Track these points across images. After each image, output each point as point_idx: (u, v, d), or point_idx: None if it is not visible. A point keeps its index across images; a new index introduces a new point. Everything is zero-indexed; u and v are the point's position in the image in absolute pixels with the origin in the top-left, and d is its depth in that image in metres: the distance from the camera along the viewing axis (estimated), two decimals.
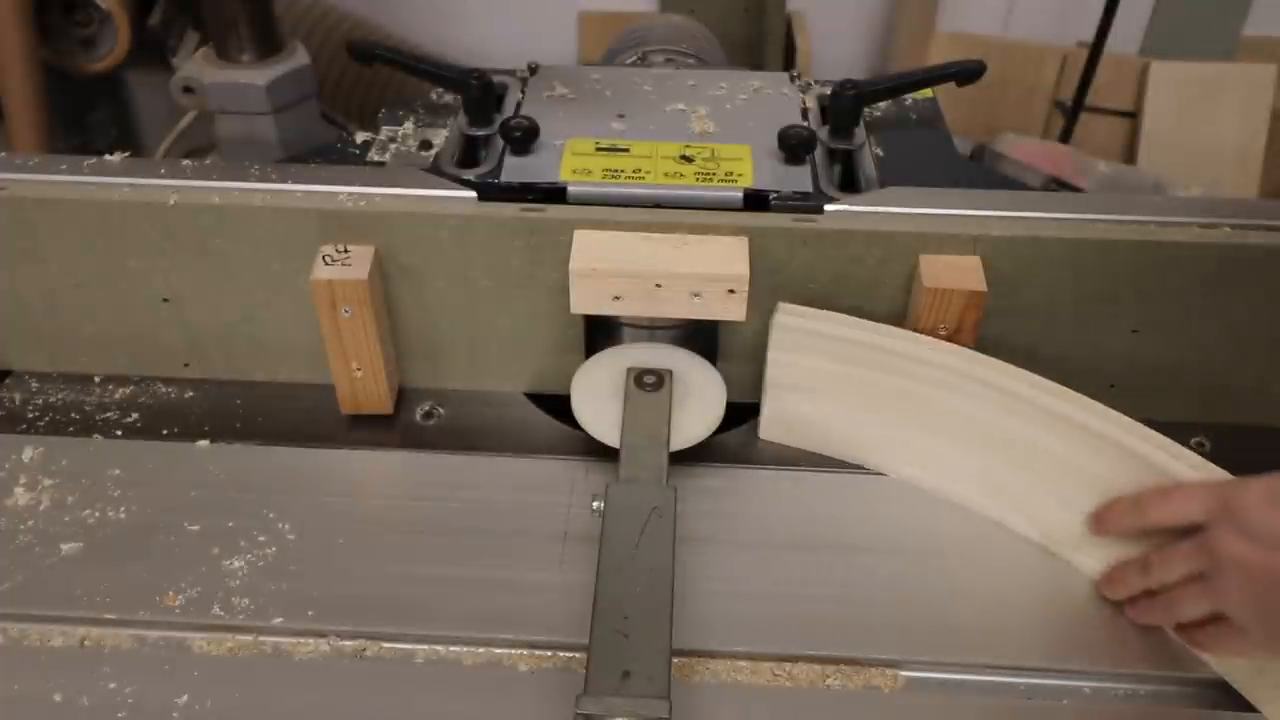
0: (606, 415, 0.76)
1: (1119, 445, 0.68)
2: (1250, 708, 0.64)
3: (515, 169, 0.83)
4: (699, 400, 0.77)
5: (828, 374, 0.77)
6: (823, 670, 0.65)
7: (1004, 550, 0.74)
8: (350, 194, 0.79)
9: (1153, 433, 0.68)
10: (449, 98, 0.96)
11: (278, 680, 0.65)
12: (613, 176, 0.81)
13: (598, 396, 0.78)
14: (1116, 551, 0.70)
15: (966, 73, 0.94)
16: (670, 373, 0.77)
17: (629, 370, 0.77)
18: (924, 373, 0.74)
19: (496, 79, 0.94)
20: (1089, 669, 0.66)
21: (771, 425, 0.81)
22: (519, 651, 0.66)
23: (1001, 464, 0.74)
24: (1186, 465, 0.66)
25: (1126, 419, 0.69)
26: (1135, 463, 0.68)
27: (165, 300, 0.83)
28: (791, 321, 0.75)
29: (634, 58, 1.13)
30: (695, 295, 0.75)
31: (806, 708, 0.64)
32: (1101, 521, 0.69)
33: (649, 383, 0.76)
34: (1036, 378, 0.72)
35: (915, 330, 0.76)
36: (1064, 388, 0.71)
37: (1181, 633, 0.67)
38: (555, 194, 0.81)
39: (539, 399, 0.86)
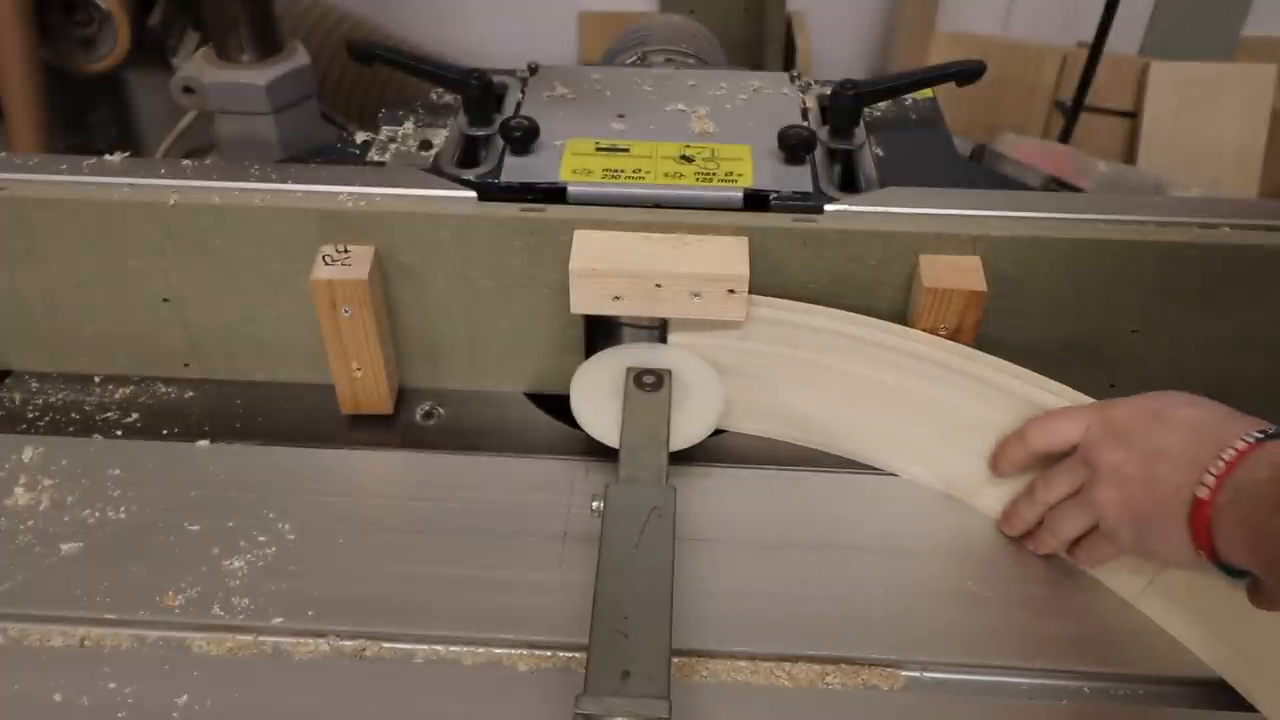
0: (606, 415, 0.76)
1: (997, 387, 0.73)
2: (1250, 707, 0.64)
3: (515, 169, 0.83)
4: (698, 400, 0.77)
5: (737, 352, 0.78)
6: (822, 670, 0.65)
7: (1003, 550, 0.74)
8: (350, 194, 0.79)
9: (1026, 371, 0.72)
10: (449, 98, 0.96)
11: (277, 680, 0.64)
12: (613, 176, 0.81)
13: (597, 396, 0.78)
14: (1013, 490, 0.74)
15: (966, 73, 0.94)
16: (669, 372, 0.77)
17: (628, 370, 0.77)
18: (798, 336, 0.77)
19: (496, 79, 0.94)
20: (1089, 669, 0.66)
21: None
22: (519, 651, 0.66)
23: (890, 416, 0.77)
24: (1053, 395, 0.71)
25: (997, 360, 0.73)
26: (1015, 401, 0.72)
27: (165, 300, 0.83)
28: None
29: (634, 58, 1.13)
30: (695, 295, 0.75)
31: (806, 707, 0.64)
32: (995, 462, 0.73)
33: (648, 382, 0.76)
34: (893, 325, 0.76)
35: (916, 330, 0.76)
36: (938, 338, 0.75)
37: (1069, 554, 0.71)
38: (555, 194, 0.81)
39: (539, 399, 0.86)
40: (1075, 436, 0.67)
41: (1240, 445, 0.57)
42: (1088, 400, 0.70)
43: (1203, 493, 0.58)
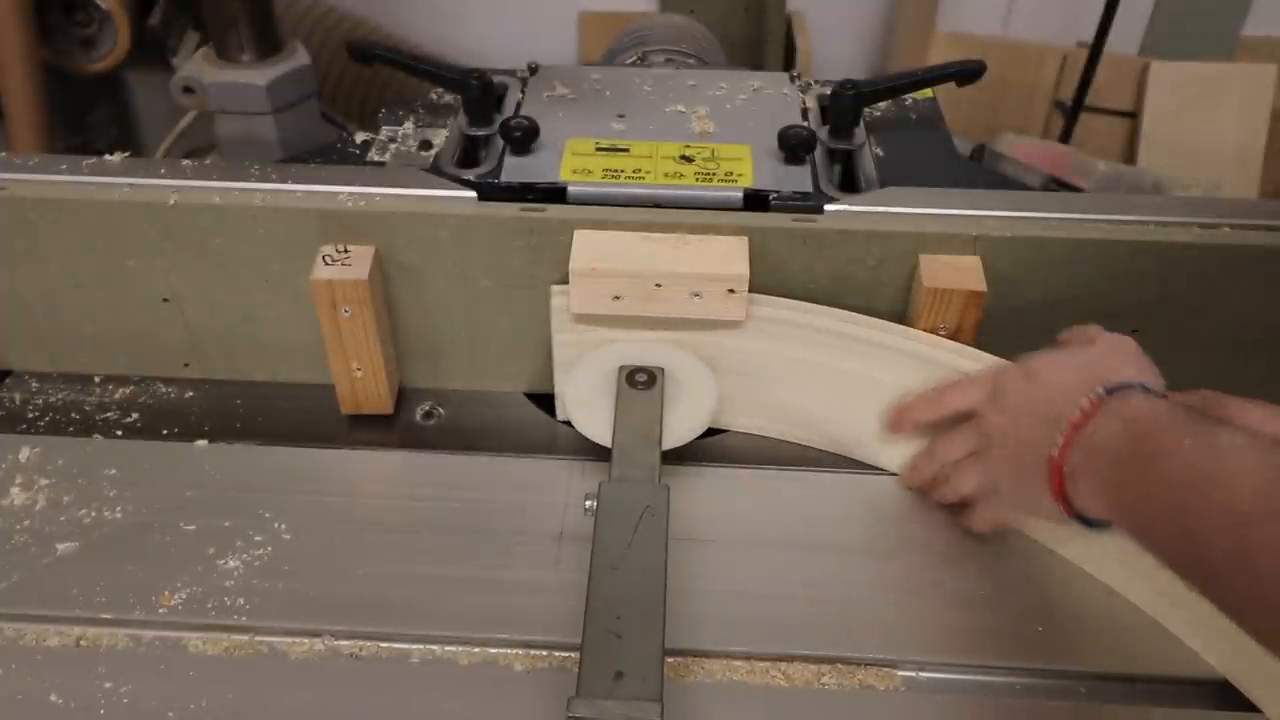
0: (599, 414, 0.76)
1: (900, 351, 0.75)
2: (1250, 707, 0.64)
3: (515, 169, 0.83)
4: (691, 399, 0.77)
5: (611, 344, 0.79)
6: (818, 670, 0.65)
7: (1002, 550, 0.73)
8: (350, 194, 0.79)
9: (933, 337, 0.75)
10: (449, 98, 0.96)
11: (274, 680, 0.64)
12: (613, 176, 0.81)
13: (590, 396, 0.77)
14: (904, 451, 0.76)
15: (966, 73, 0.94)
16: (662, 371, 0.77)
17: (621, 368, 0.77)
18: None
19: (496, 79, 0.94)
20: (1085, 669, 0.66)
21: (564, 408, 0.82)
22: (515, 651, 0.66)
23: (790, 388, 0.79)
24: (970, 360, 0.73)
25: (996, 359, 0.73)
26: (913, 362, 0.75)
27: (165, 300, 0.83)
28: (565, 301, 0.77)
29: (634, 58, 1.13)
30: (695, 295, 0.75)
31: (802, 707, 0.64)
32: (900, 417, 0.74)
33: (641, 381, 0.76)
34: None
35: (916, 330, 0.76)
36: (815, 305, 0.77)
37: (964, 519, 0.73)
38: (555, 194, 0.81)
39: (539, 399, 0.86)
40: (975, 402, 0.69)
41: (1085, 403, 0.59)
42: (1002, 363, 0.73)
43: (1053, 451, 0.60)
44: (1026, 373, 0.66)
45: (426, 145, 0.90)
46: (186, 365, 0.87)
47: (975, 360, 0.73)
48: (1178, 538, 0.51)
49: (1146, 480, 0.53)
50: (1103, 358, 0.64)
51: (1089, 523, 0.61)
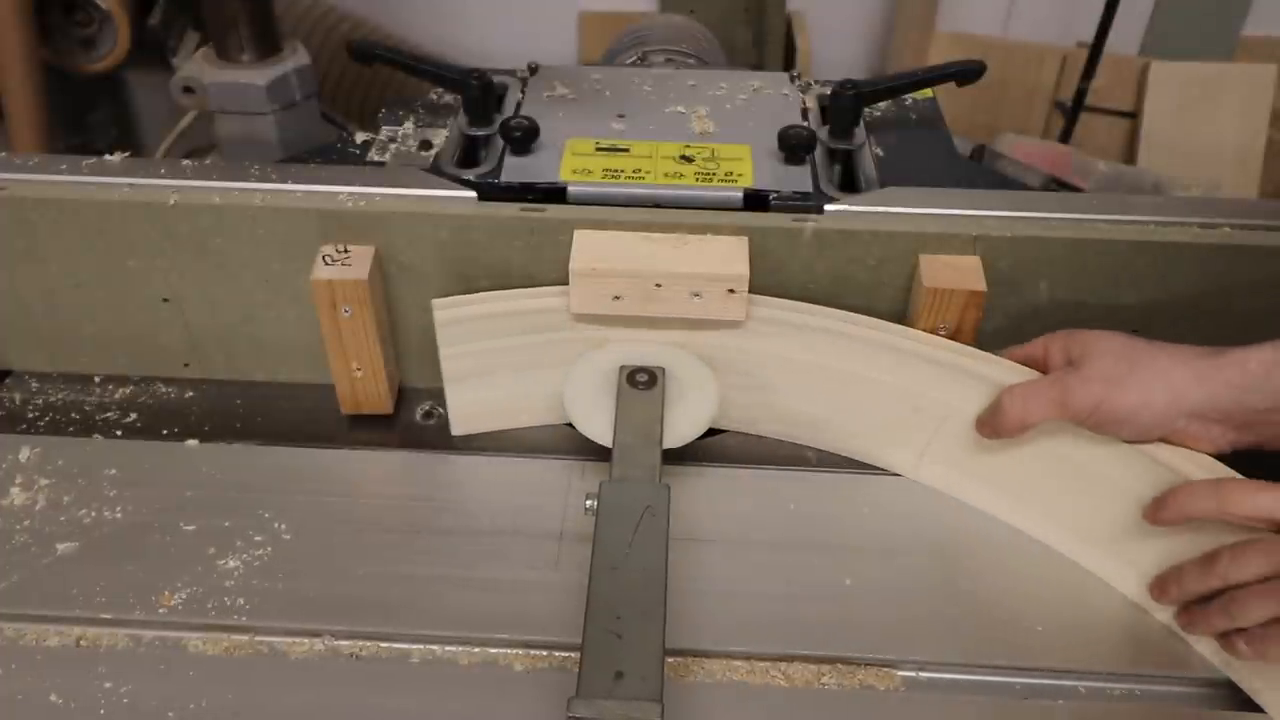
0: (599, 414, 0.76)
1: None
2: (1251, 707, 0.64)
3: (515, 169, 0.83)
4: (692, 398, 0.77)
5: (502, 351, 0.78)
6: (818, 670, 0.65)
7: (1001, 550, 0.73)
8: (350, 194, 0.79)
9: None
10: (449, 98, 0.96)
11: (273, 680, 0.64)
12: (613, 176, 0.81)
13: (590, 395, 0.77)
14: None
15: (966, 73, 0.94)
16: (663, 370, 0.77)
17: (621, 368, 0.77)
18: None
19: (496, 79, 0.94)
20: (1085, 668, 0.66)
21: (461, 420, 0.82)
22: (515, 651, 0.66)
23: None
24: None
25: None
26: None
27: (165, 300, 0.83)
28: (451, 314, 0.76)
29: (634, 58, 1.13)
30: (695, 295, 0.75)
31: (802, 707, 0.64)
32: (1161, 508, 0.65)
33: (641, 381, 0.76)
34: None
35: (917, 329, 0.76)
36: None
37: (1225, 641, 0.64)
38: (555, 194, 0.81)
39: None
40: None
41: None
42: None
43: None
44: None
45: (426, 145, 0.90)
46: (186, 365, 0.87)
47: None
48: None
49: None
50: None
51: None
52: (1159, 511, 0.65)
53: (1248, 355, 0.63)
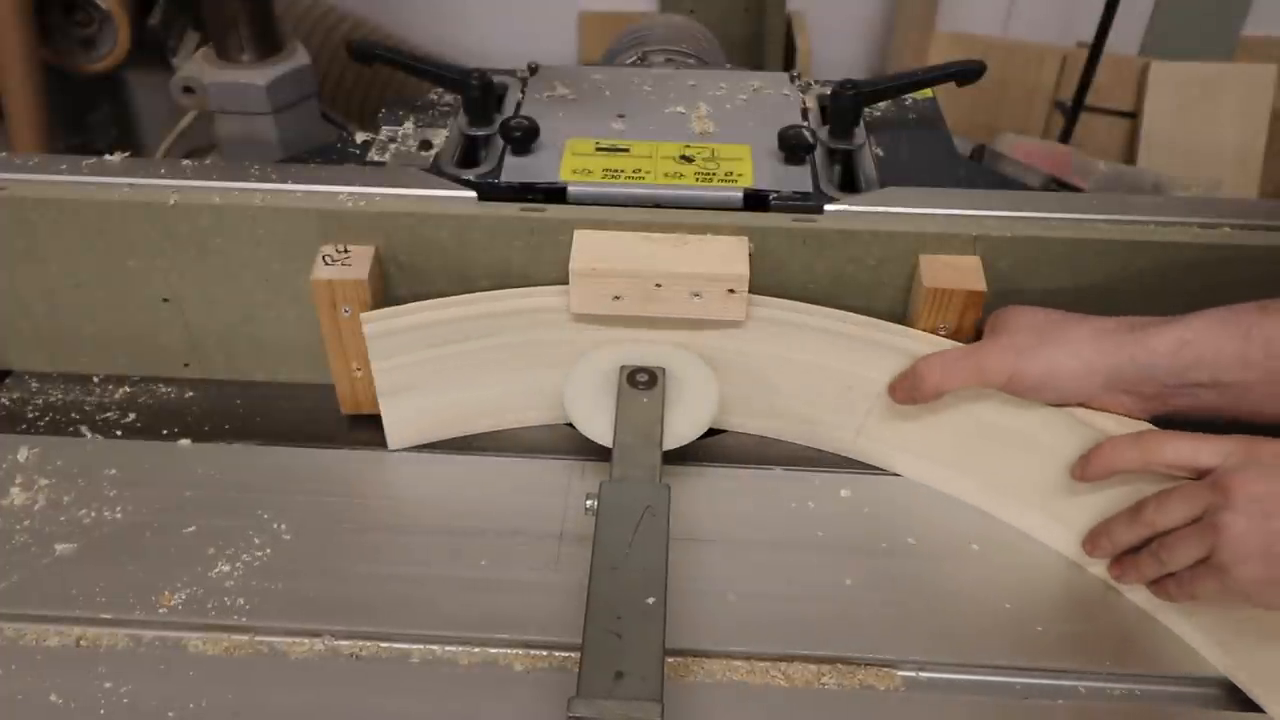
0: (600, 414, 0.76)
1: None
2: (1251, 706, 0.64)
3: (515, 169, 0.83)
4: (692, 399, 0.77)
5: (434, 360, 0.77)
6: (818, 670, 0.65)
7: (1001, 550, 0.74)
8: (350, 194, 0.79)
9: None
10: (449, 98, 0.96)
11: (273, 680, 0.64)
12: (613, 176, 0.81)
13: (591, 395, 0.77)
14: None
15: (966, 73, 0.94)
16: (663, 370, 0.77)
17: (622, 368, 0.77)
18: (523, 321, 0.77)
19: (496, 79, 0.94)
20: (1084, 668, 0.66)
21: (398, 433, 0.80)
22: (515, 651, 0.66)
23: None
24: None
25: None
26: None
27: (165, 300, 0.83)
28: (381, 327, 0.75)
29: (634, 58, 1.13)
30: (695, 295, 0.75)
31: (802, 707, 0.64)
32: (1089, 464, 0.67)
33: (642, 381, 0.76)
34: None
35: (917, 329, 0.76)
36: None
37: (1156, 587, 0.66)
38: (555, 194, 0.81)
39: None
40: (1208, 462, 0.62)
41: None
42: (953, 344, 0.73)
43: None
44: None
45: (426, 145, 0.90)
46: (186, 365, 0.87)
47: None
48: None
49: None
50: None
51: None
52: (1086, 468, 0.68)
53: (1158, 333, 0.65)
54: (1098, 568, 0.71)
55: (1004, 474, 0.75)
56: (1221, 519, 0.59)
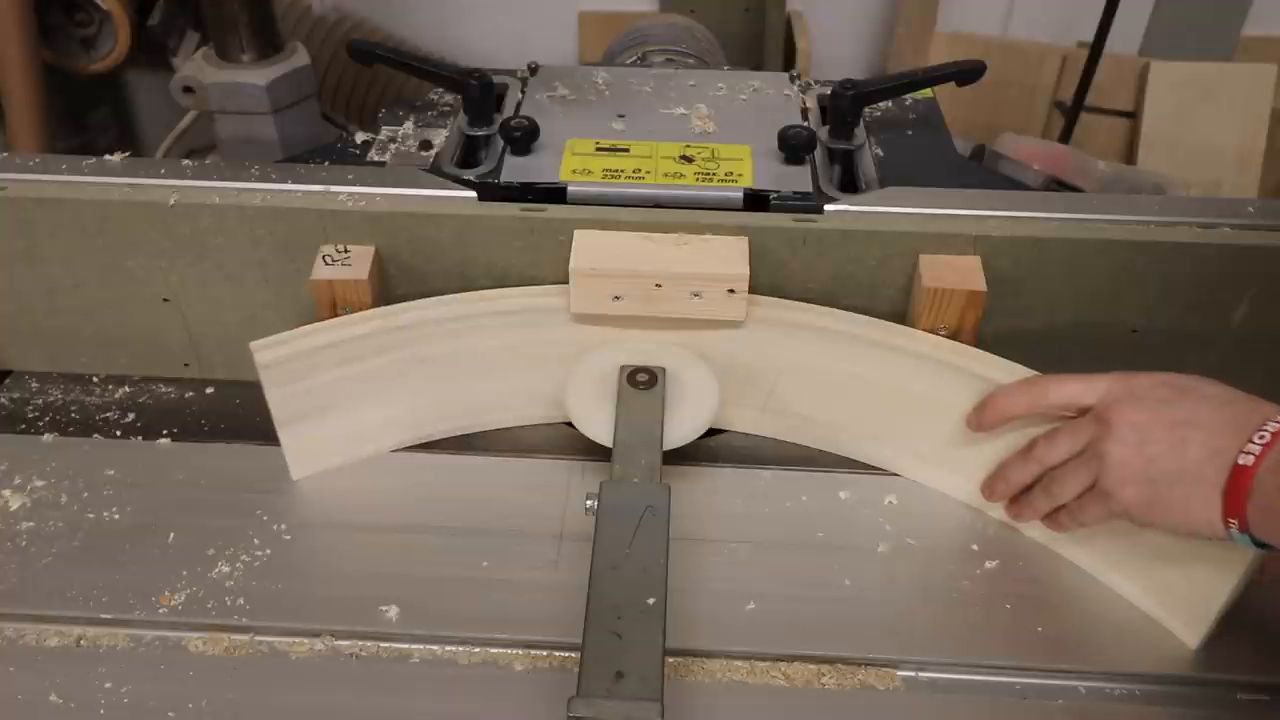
0: (600, 414, 0.76)
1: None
2: (1247, 707, 0.64)
3: (515, 169, 0.83)
4: (692, 398, 0.77)
5: (334, 382, 0.75)
6: (818, 670, 0.65)
7: (1001, 550, 0.73)
8: (350, 194, 0.79)
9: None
10: (449, 98, 0.96)
11: (274, 680, 0.65)
12: (613, 176, 0.81)
13: (590, 395, 0.77)
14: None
15: (966, 73, 0.94)
16: (663, 370, 0.77)
17: (622, 368, 0.77)
18: (430, 330, 0.76)
19: (496, 79, 0.94)
20: (1084, 668, 0.66)
21: (301, 463, 0.77)
22: (515, 651, 0.66)
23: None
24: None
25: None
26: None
27: (165, 300, 0.83)
28: (273, 355, 0.72)
29: (634, 58, 1.13)
30: (695, 295, 0.75)
31: (802, 707, 0.64)
32: (993, 409, 0.70)
33: (642, 380, 0.76)
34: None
35: (917, 329, 0.76)
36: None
37: (1049, 520, 0.71)
38: (555, 194, 0.81)
39: None
40: (1090, 400, 0.66)
41: None
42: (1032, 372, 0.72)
43: (1246, 460, 0.58)
44: (1177, 384, 0.64)
45: (426, 145, 0.90)
46: (186, 365, 0.87)
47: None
48: None
49: None
50: (1236, 390, 0.63)
51: (1254, 540, 0.59)
52: (980, 417, 0.71)
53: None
54: (997, 511, 0.75)
55: (904, 432, 0.77)
56: (1104, 448, 0.64)
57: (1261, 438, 0.58)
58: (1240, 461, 0.58)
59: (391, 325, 0.75)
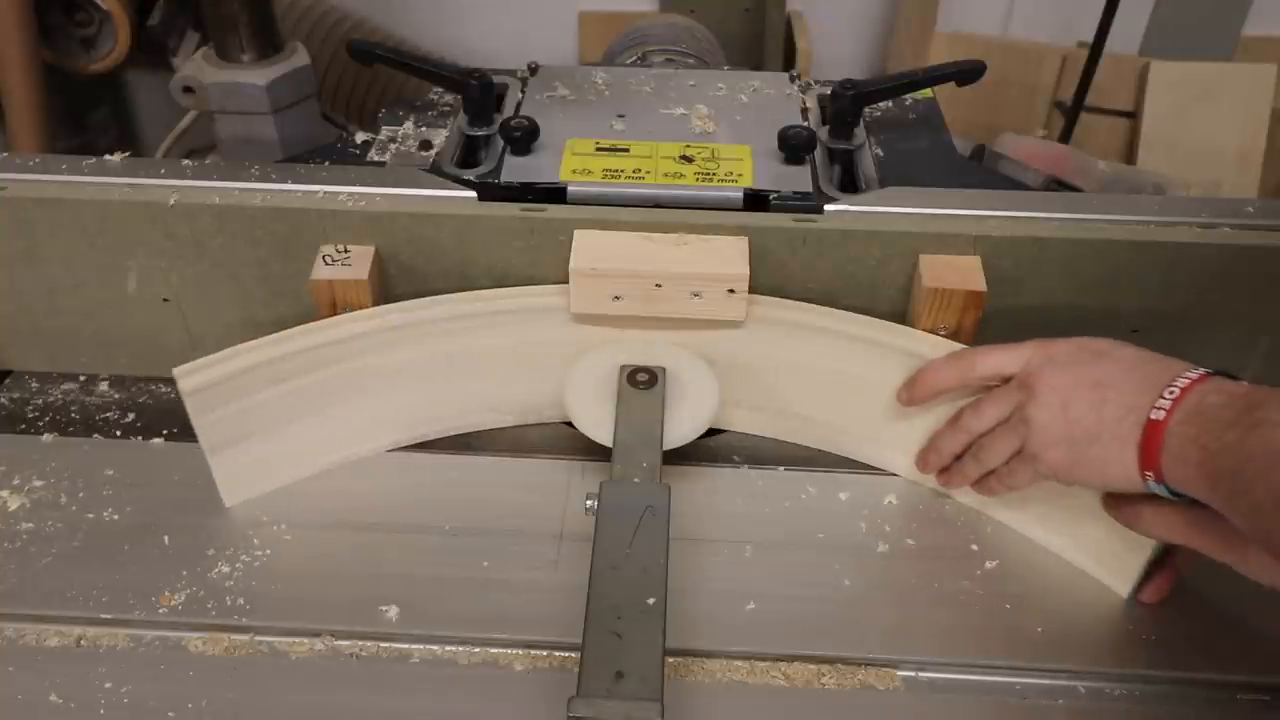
0: (600, 413, 0.76)
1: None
2: (1247, 707, 0.64)
3: (515, 169, 0.83)
4: (692, 398, 0.77)
5: (264, 403, 0.73)
6: (818, 670, 0.65)
7: (1001, 550, 0.73)
8: (350, 194, 0.79)
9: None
10: (449, 98, 0.96)
11: (274, 680, 0.65)
12: (613, 176, 0.81)
13: (590, 394, 0.77)
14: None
15: (966, 73, 0.94)
16: (663, 370, 0.77)
17: (622, 368, 0.77)
18: (358, 345, 0.75)
19: (496, 79, 0.94)
20: (1084, 668, 0.66)
21: (233, 489, 0.75)
22: (515, 651, 0.66)
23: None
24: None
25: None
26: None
27: (165, 300, 0.83)
28: (197, 381, 0.70)
29: (634, 58, 1.13)
30: (695, 295, 0.75)
31: (802, 707, 0.64)
32: (923, 383, 0.73)
33: (642, 380, 0.76)
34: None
35: (917, 329, 0.76)
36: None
37: (977, 484, 0.73)
38: (555, 194, 0.81)
39: None
40: (1014, 368, 0.69)
41: (1192, 375, 0.61)
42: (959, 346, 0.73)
43: (1158, 415, 0.60)
44: (1092, 348, 0.67)
45: (426, 145, 0.90)
46: None
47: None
48: (1272, 505, 0.53)
49: (1249, 446, 0.55)
50: (1148, 350, 0.66)
51: (1171, 491, 0.61)
52: (911, 392, 0.74)
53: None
54: (931, 482, 0.77)
55: (839, 411, 0.79)
56: (1028, 413, 0.66)
57: (1171, 393, 0.60)
58: (1152, 416, 0.61)
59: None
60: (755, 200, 0.80)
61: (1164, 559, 0.68)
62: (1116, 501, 0.67)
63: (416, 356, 0.77)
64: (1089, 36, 1.45)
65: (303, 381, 0.74)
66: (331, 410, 0.77)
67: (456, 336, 0.77)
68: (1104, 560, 0.71)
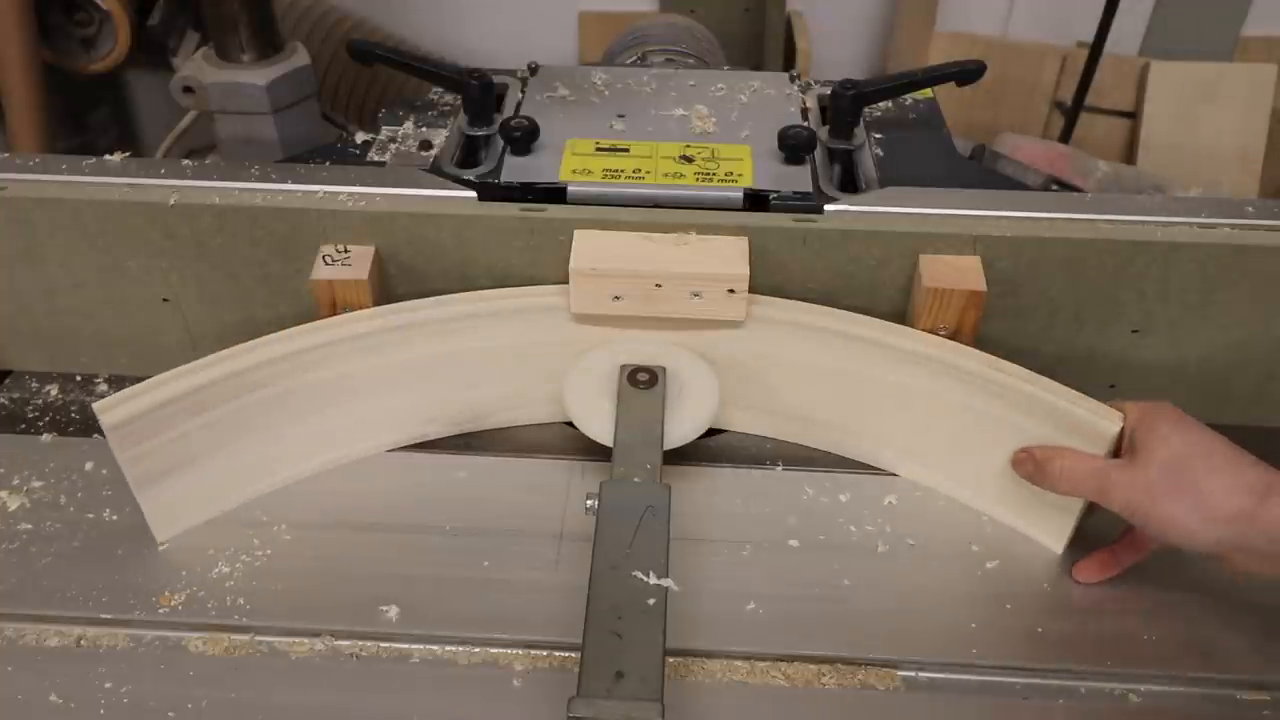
0: (600, 413, 0.76)
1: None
2: (1248, 708, 0.64)
3: (515, 169, 0.83)
4: (693, 398, 0.77)
5: (192, 432, 0.71)
6: (818, 670, 0.65)
7: (1002, 550, 0.73)
8: (350, 194, 0.79)
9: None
10: (449, 98, 0.96)
11: (273, 680, 0.65)
12: (613, 176, 0.81)
13: (591, 394, 0.77)
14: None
15: (966, 73, 0.94)
16: (664, 370, 0.77)
17: (622, 367, 0.77)
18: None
19: (496, 79, 0.94)
20: (1084, 668, 0.66)
21: (163, 524, 0.72)
22: (515, 651, 0.66)
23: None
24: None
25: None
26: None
27: (165, 300, 0.83)
28: (120, 414, 0.67)
29: (634, 58, 1.13)
30: (695, 295, 0.75)
31: (802, 707, 0.64)
32: (1048, 477, 0.70)
33: (642, 380, 0.76)
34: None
35: (916, 330, 0.76)
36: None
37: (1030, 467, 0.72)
38: (555, 194, 0.81)
39: None
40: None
41: None
42: (1085, 397, 0.69)
43: None
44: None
45: (426, 145, 0.90)
46: None
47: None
48: None
49: None
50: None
51: None
52: (1040, 478, 0.70)
53: None
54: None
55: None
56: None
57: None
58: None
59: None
60: (755, 200, 0.80)
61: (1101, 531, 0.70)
62: (1023, 456, 0.70)
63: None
64: (1089, 36, 1.45)
65: (234, 405, 0.71)
66: (274, 430, 0.74)
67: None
68: (1037, 523, 0.74)
